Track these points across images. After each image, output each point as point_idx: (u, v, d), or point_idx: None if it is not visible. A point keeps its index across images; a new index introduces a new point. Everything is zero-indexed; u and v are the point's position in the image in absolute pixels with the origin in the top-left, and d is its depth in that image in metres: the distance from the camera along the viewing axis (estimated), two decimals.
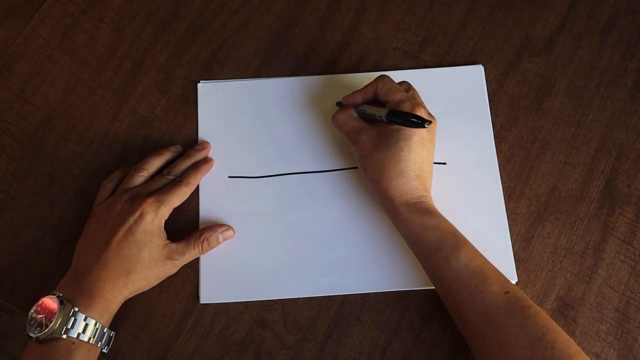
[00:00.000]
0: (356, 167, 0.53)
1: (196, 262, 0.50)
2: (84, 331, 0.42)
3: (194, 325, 0.49)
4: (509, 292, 0.42)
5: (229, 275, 0.50)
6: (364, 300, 0.50)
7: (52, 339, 0.42)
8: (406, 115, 0.45)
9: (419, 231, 0.45)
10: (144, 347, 0.49)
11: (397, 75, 0.56)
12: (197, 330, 0.49)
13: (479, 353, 0.43)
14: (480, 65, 0.56)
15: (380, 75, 0.50)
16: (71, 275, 0.46)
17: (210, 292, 0.50)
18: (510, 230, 0.51)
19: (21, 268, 0.51)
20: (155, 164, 0.52)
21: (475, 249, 0.44)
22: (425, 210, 0.45)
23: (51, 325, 0.41)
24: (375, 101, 0.50)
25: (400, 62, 0.57)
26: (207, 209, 0.52)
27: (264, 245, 0.51)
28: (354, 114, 0.50)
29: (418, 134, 0.46)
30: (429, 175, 0.48)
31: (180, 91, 0.56)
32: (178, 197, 0.49)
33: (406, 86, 0.50)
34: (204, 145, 0.53)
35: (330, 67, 0.57)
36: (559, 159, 0.53)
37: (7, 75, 0.57)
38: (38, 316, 0.42)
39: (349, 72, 0.56)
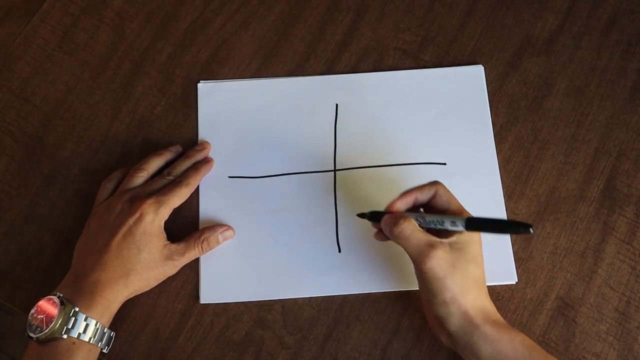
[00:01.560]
0: (356, 167, 0.53)
1: (196, 262, 0.50)
2: (84, 331, 0.42)
3: (194, 325, 0.49)
4: None
5: (229, 275, 0.50)
6: (364, 300, 0.50)
7: (53, 339, 0.42)
8: (503, 223, 0.41)
9: (508, 349, 0.42)
10: (144, 347, 0.49)
11: (397, 75, 0.56)
12: (197, 330, 0.49)
13: None
14: (480, 65, 0.56)
15: (437, 182, 0.45)
16: (71, 276, 0.46)
17: (210, 292, 0.50)
18: None
19: (21, 268, 0.51)
20: (155, 164, 0.52)
21: None
22: (506, 326, 0.43)
23: (52, 325, 0.41)
24: (412, 208, 0.46)
25: (400, 62, 0.57)
26: (207, 209, 0.52)
27: (264, 245, 0.51)
28: (416, 223, 0.43)
29: (480, 246, 0.44)
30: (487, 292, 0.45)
31: (180, 91, 0.56)
32: (178, 198, 0.49)
33: (444, 188, 0.46)
34: (204, 145, 0.53)
35: (330, 67, 0.57)
36: (559, 159, 0.53)
37: (7, 75, 0.57)
38: (38, 317, 0.42)
39: (349, 72, 0.56)
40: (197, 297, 0.50)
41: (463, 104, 0.55)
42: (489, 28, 0.57)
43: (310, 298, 0.50)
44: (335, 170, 0.53)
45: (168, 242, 0.48)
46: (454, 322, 0.42)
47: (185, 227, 0.52)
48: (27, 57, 0.58)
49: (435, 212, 0.45)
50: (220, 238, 0.50)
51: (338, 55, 0.57)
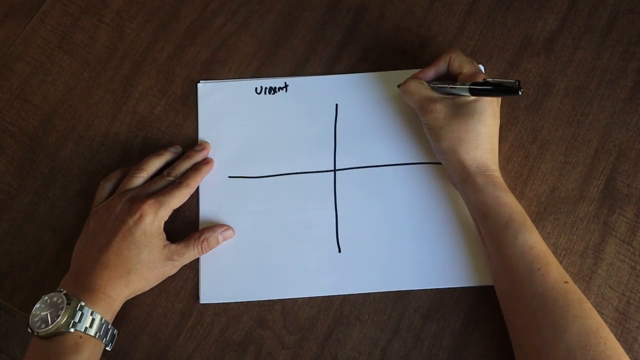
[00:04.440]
0: (356, 168, 0.53)
1: (196, 262, 0.50)
2: (90, 326, 0.42)
3: (194, 325, 0.49)
4: (568, 282, 0.43)
5: (229, 275, 0.50)
6: (364, 300, 0.50)
7: (59, 334, 0.42)
8: (496, 85, 0.45)
9: (492, 204, 0.46)
10: (144, 347, 0.49)
11: (397, 76, 0.56)
12: (197, 330, 0.49)
13: (528, 332, 0.43)
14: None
15: (451, 49, 0.51)
16: (72, 275, 0.46)
17: (210, 292, 0.50)
18: None
19: (21, 268, 0.51)
20: (155, 164, 0.52)
21: (541, 237, 0.45)
22: (500, 185, 0.47)
23: (58, 320, 0.41)
24: (445, 77, 0.51)
25: (400, 62, 0.56)
26: (207, 209, 0.52)
27: (263, 245, 0.51)
28: (425, 83, 0.50)
29: (491, 106, 0.47)
30: (497, 150, 0.49)
31: (180, 91, 0.56)
32: (178, 199, 0.49)
33: (472, 59, 0.51)
34: (204, 146, 0.53)
35: (331, 67, 0.57)
36: (559, 159, 0.53)
37: (7, 75, 0.57)
38: (42, 312, 0.42)
39: (350, 72, 0.56)
40: (197, 297, 0.50)
41: None
42: (489, 28, 0.57)
43: (310, 298, 0.50)
44: (335, 170, 0.53)
45: (168, 242, 0.48)
46: (452, 169, 0.48)
47: (185, 227, 0.52)
48: (27, 57, 0.58)
49: (456, 79, 0.50)
50: (220, 238, 0.50)
51: (338, 55, 0.57)
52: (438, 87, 0.49)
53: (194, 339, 0.49)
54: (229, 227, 0.51)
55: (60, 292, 0.43)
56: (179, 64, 0.57)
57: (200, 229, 0.51)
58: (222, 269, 0.50)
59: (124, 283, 0.45)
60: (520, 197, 0.52)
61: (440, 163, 0.53)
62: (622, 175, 0.52)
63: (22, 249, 0.52)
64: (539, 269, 0.43)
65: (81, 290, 0.44)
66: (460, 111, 0.47)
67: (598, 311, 0.48)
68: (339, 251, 0.51)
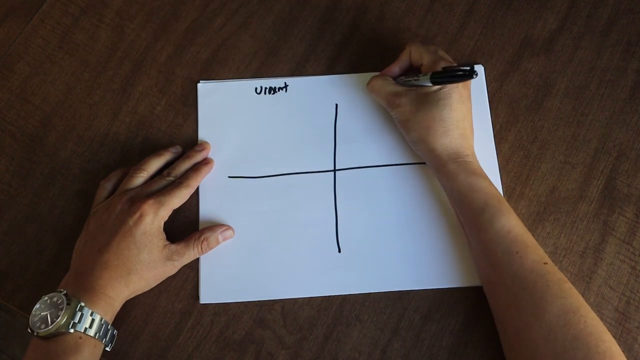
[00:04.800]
0: (356, 168, 0.53)
1: (196, 262, 0.50)
2: (90, 326, 0.42)
3: (194, 325, 0.49)
4: (547, 263, 0.43)
5: (229, 275, 0.50)
6: (364, 300, 0.50)
7: (59, 334, 0.42)
8: (451, 72, 0.46)
9: (466, 190, 0.46)
10: (144, 347, 0.49)
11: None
12: (197, 330, 0.49)
13: (509, 314, 0.44)
14: (480, 65, 0.56)
15: (410, 42, 0.52)
16: (72, 275, 0.46)
17: (210, 292, 0.50)
18: None
19: (21, 268, 0.51)
20: (155, 164, 0.52)
21: (518, 219, 0.45)
22: (472, 170, 0.47)
23: (57, 320, 0.41)
24: (410, 70, 0.52)
25: None
26: (207, 209, 0.52)
27: (264, 245, 0.51)
28: (389, 79, 0.51)
29: (456, 91, 0.47)
30: (471, 134, 0.49)
31: (180, 91, 0.56)
32: (178, 199, 0.49)
33: (434, 48, 0.51)
34: (204, 146, 0.53)
35: (330, 67, 0.57)
36: (559, 159, 0.53)
37: (7, 75, 0.57)
38: (42, 313, 0.42)
39: (349, 72, 0.56)
40: (197, 297, 0.50)
41: None
42: (489, 28, 0.57)
43: (310, 298, 0.50)
44: (335, 170, 0.53)
45: (168, 242, 0.48)
46: (426, 159, 0.49)
47: (185, 227, 0.52)
48: (27, 57, 0.58)
49: (419, 70, 0.50)
50: (220, 238, 0.50)
51: (338, 55, 0.57)
52: (404, 81, 0.50)
53: (194, 339, 0.49)
54: (229, 227, 0.51)
55: (60, 292, 0.43)
56: (179, 64, 0.57)
57: (200, 229, 0.51)
58: (222, 269, 0.50)
59: (124, 283, 0.45)
60: (520, 197, 0.52)
61: None
62: (622, 175, 0.52)
63: (22, 249, 0.52)
64: (517, 252, 0.43)
65: (81, 291, 0.44)
66: (425, 100, 0.48)
67: (598, 311, 0.49)
68: (339, 251, 0.51)
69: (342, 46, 0.57)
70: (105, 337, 0.44)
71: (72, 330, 0.42)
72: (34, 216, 0.53)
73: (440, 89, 0.47)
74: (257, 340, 0.49)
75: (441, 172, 0.48)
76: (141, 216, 0.46)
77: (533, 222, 0.51)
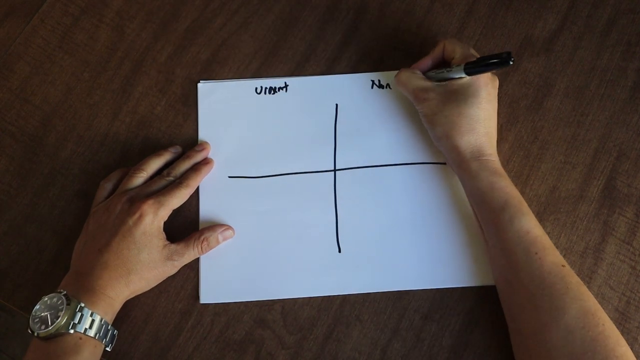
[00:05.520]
0: (356, 167, 0.53)
1: (196, 262, 0.50)
2: (90, 327, 0.42)
3: (194, 325, 0.49)
4: (565, 266, 0.43)
5: (229, 275, 0.50)
6: (364, 300, 0.50)
7: (59, 335, 0.42)
8: (486, 59, 0.45)
9: (487, 189, 0.46)
10: (144, 347, 0.49)
11: None
12: (197, 330, 0.49)
13: (526, 314, 0.43)
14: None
15: (445, 37, 0.53)
16: (72, 275, 0.46)
17: (210, 292, 0.50)
18: None
19: (21, 268, 0.51)
20: (155, 164, 0.52)
21: (537, 220, 0.46)
22: (494, 169, 0.47)
23: (57, 321, 0.41)
24: (442, 65, 0.52)
25: (401, 62, 0.56)
26: (207, 209, 0.52)
27: (264, 245, 0.51)
28: (418, 73, 0.51)
29: (485, 89, 0.47)
30: (495, 133, 0.49)
31: (180, 91, 0.56)
32: (178, 199, 0.49)
33: (467, 45, 0.51)
34: (204, 146, 0.53)
35: (330, 67, 0.57)
36: (559, 159, 0.53)
37: (7, 75, 0.57)
38: (42, 313, 0.42)
39: (349, 72, 0.56)
40: (197, 297, 0.50)
41: None
42: (489, 28, 0.57)
43: (310, 298, 0.50)
44: (335, 170, 0.53)
45: (168, 242, 0.48)
46: (447, 155, 0.49)
47: (185, 227, 0.52)
48: (27, 57, 0.58)
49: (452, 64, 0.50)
50: (220, 238, 0.50)
51: (338, 55, 0.57)
52: (435, 73, 0.50)
53: (194, 339, 0.49)
54: (229, 227, 0.51)
55: (60, 293, 0.43)
56: (179, 64, 0.57)
57: (200, 228, 0.51)
58: (222, 269, 0.50)
59: (124, 283, 0.45)
60: None
61: (440, 163, 0.53)
62: (622, 175, 0.52)
63: (22, 249, 0.52)
64: (536, 253, 0.43)
65: (81, 291, 0.44)
66: (453, 96, 0.47)
67: None
68: (339, 251, 0.51)
69: (342, 46, 0.57)
70: (106, 337, 0.44)
71: (72, 331, 0.42)
72: (34, 216, 0.53)
73: (469, 85, 0.47)
74: (257, 340, 0.49)
75: (463, 169, 0.47)
76: (141, 216, 0.46)
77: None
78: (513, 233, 0.44)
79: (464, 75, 0.47)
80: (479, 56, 0.48)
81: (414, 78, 0.50)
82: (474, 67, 0.46)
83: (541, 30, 0.57)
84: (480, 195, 0.46)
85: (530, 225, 0.44)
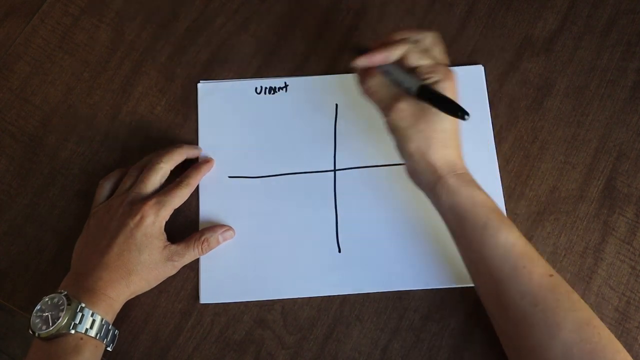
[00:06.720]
0: (356, 167, 0.53)
1: (196, 262, 0.50)
2: (91, 327, 0.42)
3: (194, 325, 0.49)
4: (553, 275, 0.42)
5: (229, 275, 0.50)
6: (364, 300, 0.50)
7: (59, 336, 0.42)
8: (442, 99, 0.42)
9: (468, 205, 0.43)
10: (144, 347, 0.49)
11: None
12: (197, 330, 0.49)
13: (521, 334, 0.42)
14: (480, 65, 0.56)
15: (404, 39, 0.45)
16: (72, 276, 0.46)
17: (210, 292, 0.50)
18: None
19: (21, 268, 0.51)
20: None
21: (519, 231, 0.44)
22: (471, 182, 0.45)
23: (59, 321, 0.41)
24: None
25: None
26: (207, 209, 0.52)
27: (264, 245, 0.51)
28: (384, 79, 0.45)
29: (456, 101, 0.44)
30: (460, 145, 0.46)
31: (180, 91, 0.56)
32: (178, 199, 0.49)
33: (430, 39, 0.46)
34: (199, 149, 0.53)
35: (330, 67, 0.57)
36: (559, 159, 0.53)
37: (7, 75, 0.57)
38: (43, 314, 0.42)
39: (349, 72, 0.56)
40: (197, 297, 0.50)
41: (463, 104, 0.55)
42: (489, 28, 0.57)
43: (310, 298, 0.50)
44: (335, 170, 0.53)
45: (168, 243, 0.48)
46: (421, 172, 0.45)
47: (185, 227, 0.52)
48: (27, 57, 0.58)
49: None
50: (221, 238, 0.50)
51: (338, 55, 0.57)
52: (387, 72, 0.45)
53: (194, 339, 0.49)
54: (229, 228, 0.51)
55: (61, 293, 0.43)
56: (179, 64, 0.57)
57: (200, 229, 0.51)
58: (222, 269, 0.50)
59: (124, 284, 0.45)
60: (520, 197, 0.52)
61: None
62: (622, 175, 0.52)
63: (22, 249, 0.52)
64: (524, 267, 0.42)
65: (81, 292, 0.44)
66: (427, 109, 0.43)
67: (598, 311, 0.49)
68: (339, 251, 0.51)
69: (342, 46, 0.57)
70: (107, 337, 0.44)
71: (73, 331, 0.42)
72: (34, 216, 0.53)
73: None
74: (257, 340, 0.49)
75: (440, 186, 0.44)
76: (142, 218, 0.46)
77: (533, 222, 0.51)
78: (498, 249, 0.42)
79: (413, 91, 0.43)
80: (447, 62, 0.45)
81: (382, 86, 0.45)
82: (428, 97, 0.42)
83: (541, 30, 0.57)
84: (460, 213, 0.44)
85: (514, 237, 0.43)
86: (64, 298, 0.42)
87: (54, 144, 0.55)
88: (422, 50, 0.45)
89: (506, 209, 0.51)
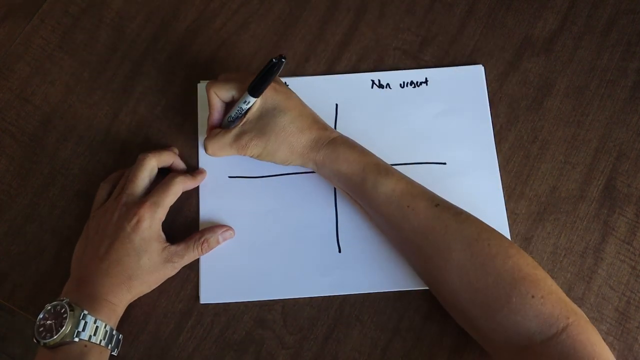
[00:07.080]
0: None
1: (196, 262, 0.50)
2: (95, 333, 0.42)
3: (194, 325, 0.49)
4: (439, 204, 0.45)
5: (229, 275, 0.50)
6: (364, 300, 0.50)
7: (64, 344, 0.42)
8: (261, 73, 0.43)
9: (345, 169, 0.47)
10: (144, 347, 0.49)
11: (397, 75, 0.56)
12: (197, 330, 0.49)
13: (421, 266, 0.47)
14: (480, 65, 0.56)
15: (208, 84, 0.48)
16: (73, 282, 0.46)
17: (210, 292, 0.50)
18: (510, 231, 0.51)
19: (21, 268, 0.51)
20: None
21: (400, 173, 0.47)
22: (340, 146, 0.47)
23: (62, 329, 0.41)
24: (228, 107, 0.50)
25: (400, 62, 0.57)
26: (207, 209, 0.52)
27: (264, 245, 0.51)
28: (218, 131, 0.48)
29: (274, 92, 0.47)
30: (312, 111, 0.49)
31: (180, 91, 0.56)
32: (172, 196, 0.48)
33: (232, 75, 0.49)
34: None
35: (330, 67, 0.57)
36: (559, 159, 0.53)
37: (7, 75, 0.57)
38: (47, 322, 0.42)
39: (349, 72, 0.56)
40: (197, 297, 0.50)
41: (463, 104, 0.55)
42: (489, 28, 0.57)
43: (310, 298, 0.50)
44: None
45: (167, 243, 0.48)
46: (308, 166, 0.49)
47: (185, 227, 0.52)
48: (27, 57, 0.58)
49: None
50: (220, 239, 0.50)
51: (338, 55, 0.57)
52: (231, 119, 0.48)
53: (194, 339, 0.49)
54: (229, 228, 0.51)
55: (62, 300, 0.43)
56: (179, 64, 0.57)
57: (200, 229, 0.51)
58: (222, 269, 0.50)
59: (125, 289, 0.45)
60: (520, 197, 0.52)
61: (441, 163, 0.53)
62: (622, 175, 0.52)
63: (22, 249, 0.52)
64: (408, 206, 0.45)
65: (83, 299, 0.44)
66: (264, 122, 0.47)
67: (598, 311, 0.49)
68: (339, 251, 0.51)
69: (342, 46, 0.57)
70: (111, 342, 0.44)
71: (77, 339, 0.41)
72: (34, 216, 0.53)
73: (264, 103, 0.46)
74: (257, 340, 0.49)
75: (321, 164, 0.47)
76: (139, 221, 0.46)
77: (533, 222, 0.51)
78: (381, 197, 0.45)
79: (252, 98, 0.45)
80: (239, 75, 0.48)
81: (221, 138, 0.47)
82: (256, 85, 0.44)
83: (541, 30, 0.57)
84: (342, 177, 0.47)
85: (393, 182, 0.45)
86: (66, 306, 0.42)
87: (54, 144, 0.55)
88: (226, 87, 0.48)
89: (506, 209, 0.51)
